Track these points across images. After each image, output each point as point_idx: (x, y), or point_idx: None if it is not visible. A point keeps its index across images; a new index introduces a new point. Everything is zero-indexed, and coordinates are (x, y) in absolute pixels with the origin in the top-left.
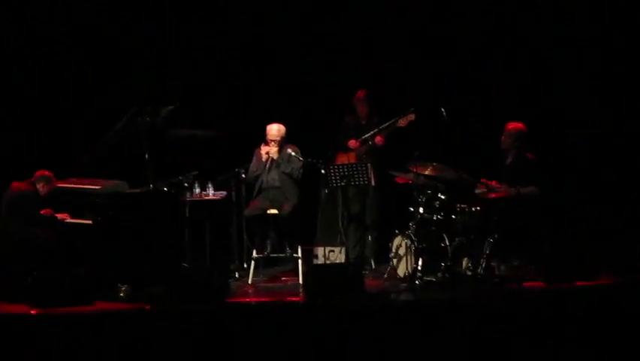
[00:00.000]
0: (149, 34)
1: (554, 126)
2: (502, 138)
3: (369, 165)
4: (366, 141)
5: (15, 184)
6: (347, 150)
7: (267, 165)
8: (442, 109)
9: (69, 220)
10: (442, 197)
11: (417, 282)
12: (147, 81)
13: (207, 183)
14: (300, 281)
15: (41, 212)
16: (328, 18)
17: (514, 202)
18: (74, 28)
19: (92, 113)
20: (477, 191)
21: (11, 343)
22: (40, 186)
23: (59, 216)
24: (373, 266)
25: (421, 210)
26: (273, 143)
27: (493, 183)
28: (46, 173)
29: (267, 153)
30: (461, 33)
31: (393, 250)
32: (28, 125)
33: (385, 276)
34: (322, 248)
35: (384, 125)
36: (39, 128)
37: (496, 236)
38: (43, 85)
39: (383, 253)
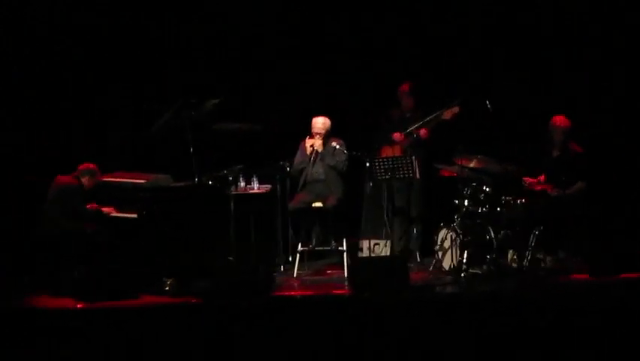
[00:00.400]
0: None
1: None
2: (553, 134)
3: (413, 158)
4: (410, 133)
5: (60, 178)
6: (392, 143)
7: (312, 158)
8: (487, 101)
9: (114, 214)
10: (487, 189)
11: (462, 275)
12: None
13: (252, 177)
14: (346, 274)
15: (87, 206)
16: (376, 7)
17: (560, 195)
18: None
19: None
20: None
21: (57, 337)
22: (85, 180)
23: (105, 210)
24: (418, 259)
25: (466, 202)
26: (318, 136)
27: (541, 178)
28: (91, 166)
29: (312, 145)
30: (505, 25)
31: (439, 243)
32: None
33: (430, 269)
34: (367, 241)
35: (428, 118)
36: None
37: (541, 228)
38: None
39: (428, 246)
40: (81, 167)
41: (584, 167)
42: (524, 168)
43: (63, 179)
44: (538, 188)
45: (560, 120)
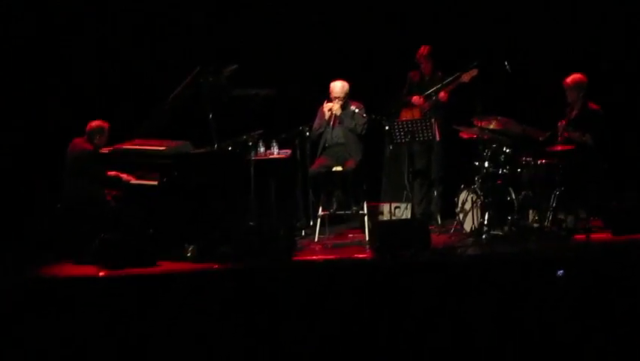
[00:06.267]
0: None
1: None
2: (567, 93)
3: (433, 120)
4: (429, 96)
5: (74, 143)
6: (411, 106)
7: (331, 122)
8: (506, 62)
9: (134, 182)
10: (507, 150)
11: (483, 236)
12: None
13: (272, 142)
14: (367, 238)
15: (107, 173)
16: None
17: (580, 153)
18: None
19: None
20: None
21: (80, 305)
22: (97, 140)
23: (124, 176)
24: (439, 222)
25: (486, 164)
26: (336, 100)
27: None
28: (96, 124)
29: (330, 109)
30: None
31: (459, 205)
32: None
33: (452, 231)
34: (388, 204)
35: (447, 81)
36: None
37: (562, 188)
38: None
39: (449, 209)
40: (88, 128)
41: (594, 122)
42: (549, 133)
43: (77, 145)
44: (559, 148)
45: (571, 79)
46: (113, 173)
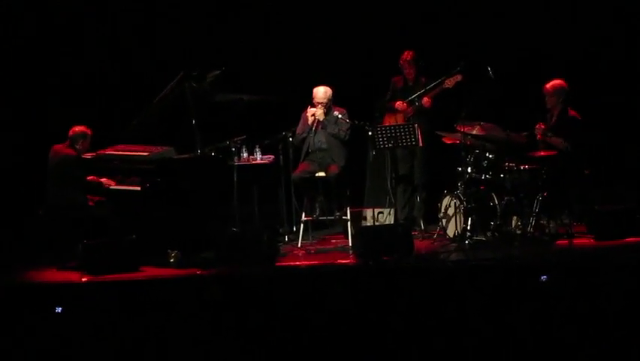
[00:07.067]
0: None
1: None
2: (546, 99)
3: (416, 125)
4: (413, 102)
5: (56, 149)
6: (394, 111)
7: (314, 128)
8: (489, 68)
9: (115, 187)
10: (490, 156)
11: (466, 242)
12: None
13: (255, 148)
14: (350, 243)
15: (88, 178)
16: None
17: (562, 159)
18: None
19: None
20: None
21: (64, 310)
22: (79, 146)
23: (103, 181)
24: (422, 227)
25: (469, 169)
26: (319, 105)
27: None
28: (79, 129)
29: (313, 115)
30: None
31: (442, 211)
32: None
33: (435, 236)
34: (371, 210)
35: (430, 86)
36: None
37: (545, 194)
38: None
39: (432, 214)
40: (71, 133)
41: (572, 129)
42: (527, 134)
43: (59, 151)
44: (542, 154)
45: (551, 85)
46: (91, 178)
